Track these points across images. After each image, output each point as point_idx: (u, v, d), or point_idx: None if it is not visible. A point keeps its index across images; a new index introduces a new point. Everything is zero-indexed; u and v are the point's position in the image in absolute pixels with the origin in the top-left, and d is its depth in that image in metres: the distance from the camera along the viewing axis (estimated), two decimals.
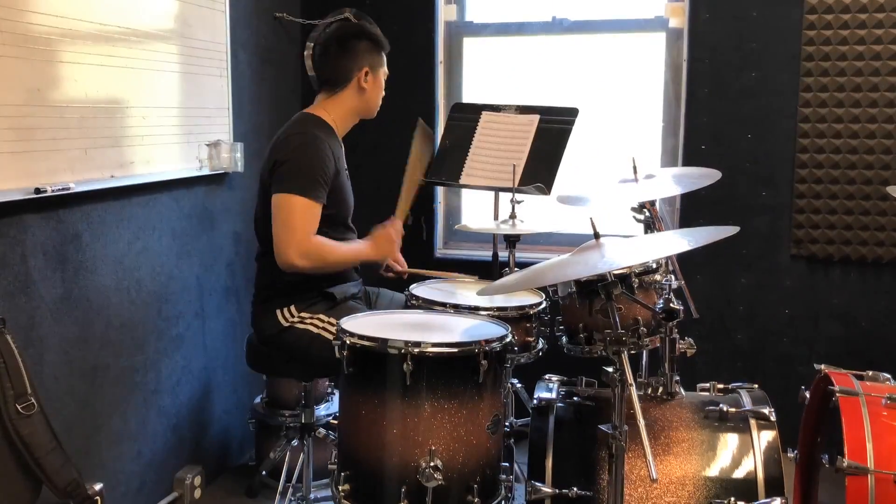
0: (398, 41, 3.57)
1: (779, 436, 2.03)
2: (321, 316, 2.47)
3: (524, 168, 2.97)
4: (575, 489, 1.97)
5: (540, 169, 2.98)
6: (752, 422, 2.05)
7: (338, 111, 2.58)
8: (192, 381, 2.99)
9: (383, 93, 2.66)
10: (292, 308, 2.47)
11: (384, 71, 2.65)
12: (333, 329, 2.41)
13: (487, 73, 3.70)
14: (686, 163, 3.34)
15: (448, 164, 3.22)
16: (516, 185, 2.84)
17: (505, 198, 2.90)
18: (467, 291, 2.55)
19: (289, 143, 2.45)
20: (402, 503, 1.80)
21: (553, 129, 3.05)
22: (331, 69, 2.58)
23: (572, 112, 3.04)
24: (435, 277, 2.73)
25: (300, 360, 2.48)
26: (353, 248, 2.55)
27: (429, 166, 3.27)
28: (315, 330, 2.45)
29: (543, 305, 2.47)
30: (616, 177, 2.52)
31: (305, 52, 3.56)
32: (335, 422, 2.71)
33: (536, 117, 3.08)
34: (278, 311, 2.47)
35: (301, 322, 2.46)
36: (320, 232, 2.42)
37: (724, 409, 2.06)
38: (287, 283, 2.46)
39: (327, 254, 2.42)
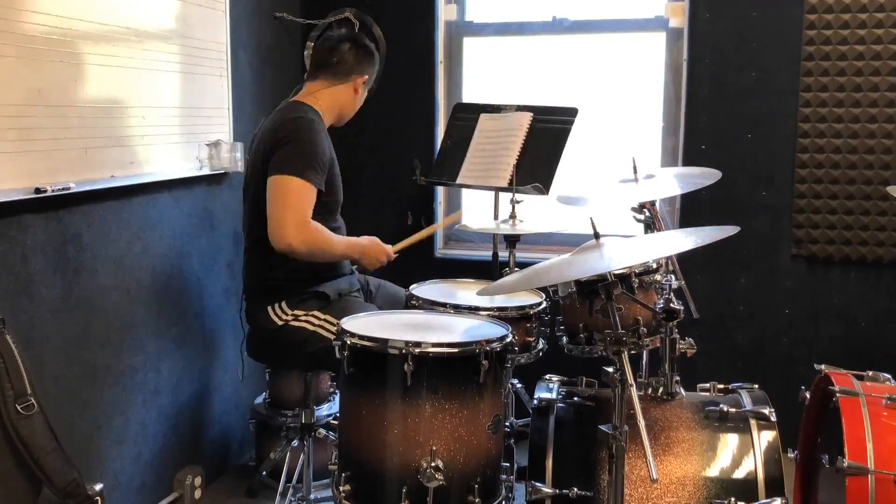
0: (398, 41, 3.60)
1: (779, 436, 2.03)
2: (316, 313, 2.45)
3: (519, 167, 2.97)
4: (575, 489, 1.97)
5: (538, 169, 2.98)
6: (753, 422, 2.05)
7: (327, 102, 2.59)
8: (192, 381, 2.99)
9: (359, 107, 2.73)
10: (283, 305, 2.45)
11: (369, 88, 2.73)
12: (330, 327, 2.41)
13: (487, 73, 3.70)
14: (686, 163, 3.34)
15: (448, 165, 3.22)
16: (512, 185, 2.84)
17: (505, 198, 2.90)
18: (467, 292, 2.55)
19: (286, 127, 2.43)
20: (402, 503, 1.80)
21: (551, 128, 3.04)
22: (341, 60, 2.59)
23: (571, 112, 3.04)
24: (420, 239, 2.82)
25: (299, 355, 2.47)
26: (348, 244, 2.53)
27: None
28: (311, 328, 2.44)
29: (544, 305, 2.47)
30: (616, 177, 2.52)
31: (306, 52, 3.57)
32: (335, 422, 2.72)
33: (529, 115, 3.07)
34: (269, 309, 2.46)
35: (295, 320, 2.45)
36: (318, 220, 2.40)
37: (725, 409, 2.06)
38: (276, 278, 2.45)
39: (323, 242, 2.40)
